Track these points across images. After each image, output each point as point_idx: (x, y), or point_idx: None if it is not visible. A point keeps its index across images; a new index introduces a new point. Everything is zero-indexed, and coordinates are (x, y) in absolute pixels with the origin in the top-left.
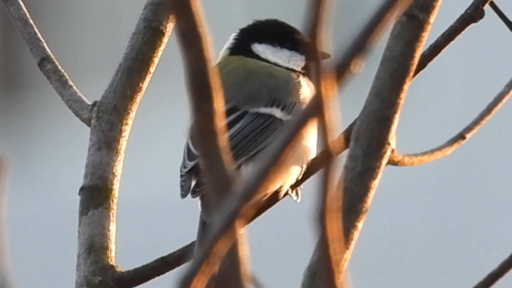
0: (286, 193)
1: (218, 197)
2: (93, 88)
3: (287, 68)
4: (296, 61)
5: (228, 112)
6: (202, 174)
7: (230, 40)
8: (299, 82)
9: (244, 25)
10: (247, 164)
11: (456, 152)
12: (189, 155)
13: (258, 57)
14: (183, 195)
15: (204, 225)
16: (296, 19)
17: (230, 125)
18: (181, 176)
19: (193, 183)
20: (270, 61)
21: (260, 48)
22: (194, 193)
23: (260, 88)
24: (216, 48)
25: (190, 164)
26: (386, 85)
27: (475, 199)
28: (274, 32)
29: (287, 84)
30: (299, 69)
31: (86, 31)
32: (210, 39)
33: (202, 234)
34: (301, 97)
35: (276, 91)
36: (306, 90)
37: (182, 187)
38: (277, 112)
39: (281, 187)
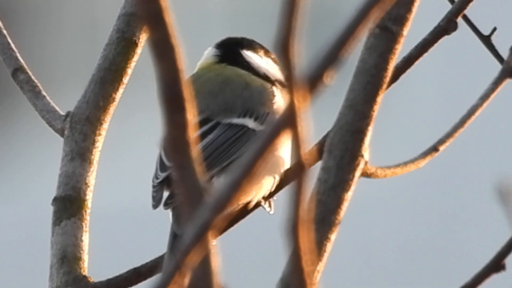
0: (259, 205)
1: (190, 208)
2: (66, 99)
3: (267, 78)
4: (277, 70)
5: (201, 123)
6: (174, 185)
7: (211, 51)
8: (272, 92)
9: (219, 36)
10: (220, 175)
11: (429, 164)
12: (162, 166)
13: (246, 63)
14: (155, 206)
15: (175, 237)
16: (270, 30)
17: (202, 136)
18: (153, 187)
19: (165, 194)
20: (260, 69)
21: (249, 53)
22: (166, 205)
23: (234, 98)
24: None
25: (162, 176)
26: (360, 97)
27: (447, 211)
28: (254, 44)
29: (261, 94)
30: (281, 78)
31: (60, 41)
32: (183, 50)
33: (173, 245)
34: (275, 107)
35: (249, 101)
36: (280, 100)
37: (153, 198)
38: (250, 123)
39: (252, 198)
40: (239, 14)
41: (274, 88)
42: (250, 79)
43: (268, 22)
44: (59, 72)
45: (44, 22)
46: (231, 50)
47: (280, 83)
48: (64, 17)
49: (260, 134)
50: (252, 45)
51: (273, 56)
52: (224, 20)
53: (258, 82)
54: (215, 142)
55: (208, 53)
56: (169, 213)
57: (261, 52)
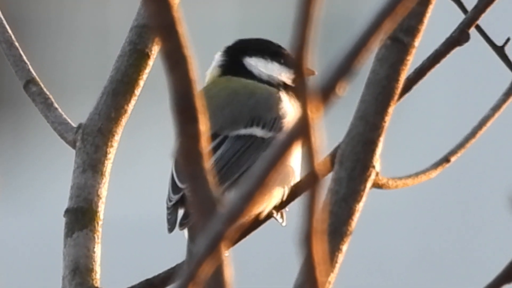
0: (271, 216)
1: (203, 219)
2: (78, 111)
3: (271, 83)
4: (286, 74)
5: (210, 139)
6: (188, 204)
7: (218, 58)
8: (279, 97)
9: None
10: (231, 189)
11: (440, 175)
12: (174, 188)
13: (249, 72)
14: (170, 230)
15: (191, 255)
16: (283, 40)
17: (212, 151)
18: (167, 209)
19: (180, 214)
20: (262, 75)
21: (252, 62)
22: (182, 225)
23: (240, 109)
24: (202, 69)
25: (175, 198)
26: (371, 108)
27: (459, 222)
28: (262, 47)
29: (266, 101)
30: (290, 82)
31: (72, 53)
32: (195, 61)
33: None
34: (281, 112)
35: (255, 110)
36: (287, 105)
37: (168, 221)
38: (257, 131)
39: (263, 209)
40: (251, 24)
41: (280, 93)
42: (255, 87)
43: (279, 30)
44: (71, 84)
45: (56, 34)
46: (234, 60)
47: (287, 85)
48: (76, 29)
49: (272, 144)
50: (258, 49)
51: (286, 52)
52: (235, 29)
53: (263, 89)
54: (224, 157)
55: (215, 61)
56: (184, 231)
57: (267, 56)
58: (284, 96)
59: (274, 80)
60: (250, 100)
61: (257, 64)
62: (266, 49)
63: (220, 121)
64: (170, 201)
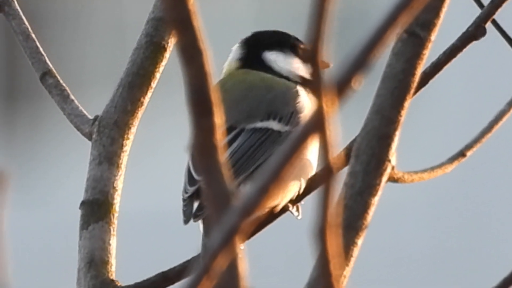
0: (287, 209)
1: (217, 212)
2: (94, 103)
3: (289, 78)
4: (304, 69)
5: (226, 132)
6: (203, 197)
7: (236, 50)
8: (296, 91)
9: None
10: (247, 182)
11: (456, 170)
12: (190, 180)
13: (268, 66)
14: (186, 221)
15: (206, 249)
16: (298, 34)
17: (228, 144)
18: (183, 201)
19: (195, 206)
20: (281, 71)
21: (271, 56)
22: (196, 217)
23: (257, 103)
24: (217, 63)
25: (191, 190)
26: (387, 102)
27: (474, 216)
28: (281, 40)
29: (284, 95)
30: (308, 76)
31: (88, 45)
32: (211, 54)
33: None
34: (298, 106)
35: (273, 104)
36: (304, 98)
37: (184, 212)
38: (274, 125)
39: (279, 202)
40: (266, 17)
41: (298, 87)
42: (273, 82)
43: (295, 24)
44: (87, 76)
45: (72, 26)
46: (253, 53)
47: (305, 80)
48: (92, 21)
49: (288, 138)
50: (277, 42)
51: (303, 45)
52: (251, 23)
53: (281, 83)
54: (240, 149)
55: (233, 53)
56: (199, 224)
57: (286, 49)
58: (301, 90)
59: (293, 74)
60: (268, 94)
61: (276, 59)
62: (285, 43)
63: (236, 114)
64: (186, 192)
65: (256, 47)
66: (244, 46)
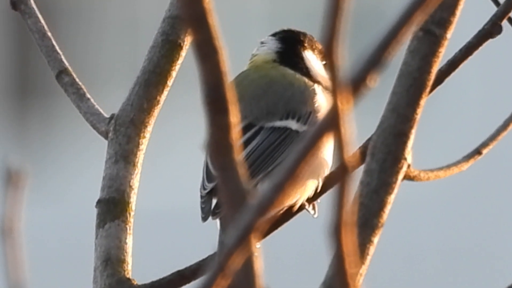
0: (303, 208)
1: (233, 210)
2: (110, 101)
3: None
4: (327, 75)
5: (245, 129)
6: (219, 195)
7: (273, 43)
8: (314, 90)
9: (260, 37)
10: (265, 181)
11: (472, 168)
12: (208, 176)
13: (299, 65)
14: (204, 218)
15: (223, 247)
16: (313, 32)
17: (247, 142)
18: (201, 197)
19: (213, 203)
20: (312, 72)
21: (309, 56)
22: (214, 215)
23: (276, 100)
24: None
25: (210, 186)
26: (402, 100)
27: (490, 214)
28: (313, 42)
29: (302, 94)
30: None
31: (104, 44)
32: (226, 52)
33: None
34: (316, 105)
35: (291, 102)
36: (321, 97)
37: (202, 209)
38: (293, 124)
39: (296, 201)
40: (281, 15)
41: (316, 86)
42: (294, 79)
43: (310, 22)
44: (103, 75)
45: (88, 25)
46: (293, 49)
47: (327, 81)
48: (108, 19)
49: (304, 136)
50: (310, 44)
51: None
52: (266, 20)
53: (301, 81)
54: (259, 148)
55: (268, 45)
56: (216, 222)
57: (318, 53)
58: (318, 88)
59: (319, 78)
60: (287, 91)
61: (312, 60)
62: (317, 46)
63: (255, 112)
64: (205, 189)
65: (294, 44)
66: (282, 41)
